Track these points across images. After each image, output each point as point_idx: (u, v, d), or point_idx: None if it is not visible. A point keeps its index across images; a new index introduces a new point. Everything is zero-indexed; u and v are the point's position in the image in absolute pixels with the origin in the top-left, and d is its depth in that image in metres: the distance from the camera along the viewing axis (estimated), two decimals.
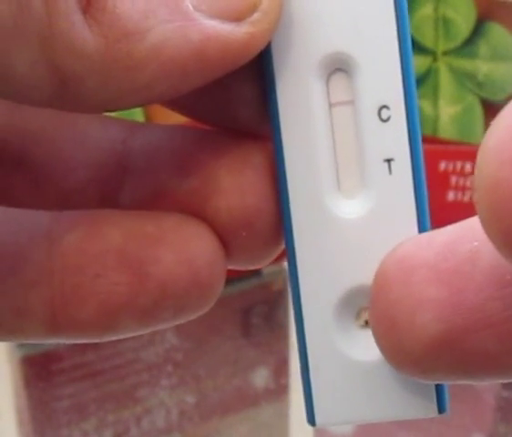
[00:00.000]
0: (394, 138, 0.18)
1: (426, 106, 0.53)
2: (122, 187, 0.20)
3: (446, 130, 0.53)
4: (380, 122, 0.18)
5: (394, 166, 0.18)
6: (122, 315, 0.18)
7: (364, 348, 0.19)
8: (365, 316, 0.19)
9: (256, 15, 0.17)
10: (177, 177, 0.19)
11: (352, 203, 0.19)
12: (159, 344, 0.55)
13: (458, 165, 0.49)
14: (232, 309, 0.58)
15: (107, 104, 0.17)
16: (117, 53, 0.16)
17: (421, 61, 0.53)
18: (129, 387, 0.53)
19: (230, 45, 0.16)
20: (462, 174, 0.49)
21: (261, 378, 0.52)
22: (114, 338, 0.19)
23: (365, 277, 0.18)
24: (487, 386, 0.51)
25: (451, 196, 0.50)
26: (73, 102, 0.16)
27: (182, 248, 0.18)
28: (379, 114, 0.18)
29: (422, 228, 0.18)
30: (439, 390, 0.18)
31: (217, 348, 0.55)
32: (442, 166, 0.49)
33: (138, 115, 0.49)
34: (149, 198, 0.19)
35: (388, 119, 0.18)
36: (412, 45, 0.18)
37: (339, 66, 0.18)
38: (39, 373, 0.53)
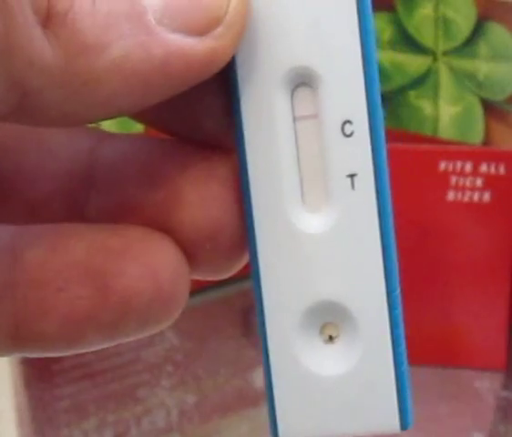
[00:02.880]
0: (358, 154, 0.18)
1: (426, 105, 0.54)
2: (88, 199, 0.20)
3: (446, 130, 0.54)
4: (343, 137, 0.18)
5: (358, 181, 0.18)
6: (85, 329, 0.18)
7: (328, 363, 0.19)
8: (329, 331, 0.19)
9: (219, 30, 0.17)
10: (142, 190, 0.19)
11: (315, 217, 0.19)
12: (159, 344, 0.55)
13: (458, 165, 0.49)
14: (232, 309, 0.58)
15: (68, 118, 0.16)
16: (77, 67, 0.16)
17: (421, 61, 0.53)
18: (129, 387, 0.52)
19: (193, 60, 0.16)
20: (462, 174, 0.49)
21: (261, 378, 0.52)
22: (78, 351, 0.19)
23: (329, 292, 0.18)
24: (488, 386, 0.51)
25: (451, 196, 0.50)
26: (33, 117, 0.16)
27: (146, 262, 0.18)
28: (342, 129, 0.18)
29: (385, 243, 0.18)
30: (402, 405, 0.19)
31: (217, 348, 0.55)
32: (442, 166, 0.49)
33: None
34: (115, 211, 0.19)
35: (351, 134, 0.18)
36: (377, 63, 0.18)
37: (303, 81, 0.18)
38: (39, 373, 0.53)
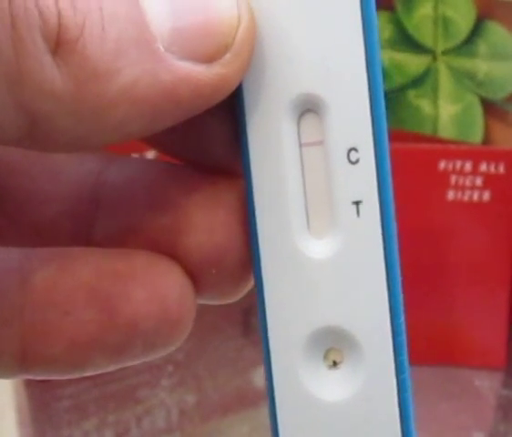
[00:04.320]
0: (363, 181, 0.18)
1: (426, 105, 0.54)
2: (95, 222, 0.20)
3: (446, 129, 0.53)
4: (349, 164, 0.18)
5: (363, 208, 0.18)
6: (91, 352, 0.18)
7: (332, 388, 0.19)
8: (333, 356, 0.19)
9: (227, 57, 0.17)
10: (149, 214, 0.19)
11: (320, 243, 0.19)
12: None
13: (458, 164, 0.49)
14: (232, 309, 0.57)
15: (77, 143, 0.16)
16: (87, 94, 0.16)
17: (420, 60, 0.53)
18: (130, 387, 0.52)
19: (202, 87, 0.16)
20: (462, 173, 0.49)
21: (261, 378, 0.52)
22: (84, 374, 0.19)
23: (333, 317, 0.18)
24: (488, 385, 0.51)
25: (451, 195, 0.50)
26: (43, 142, 0.16)
27: (152, 286, 0.18)
28: (348, 156, 0.18)
29: (390, 270, 0.18)
30: (405, 431, 0.19)
31: (217, 348, 0.55)
32: (442, 165, 0.49)
33: None
34: (121, 235, 0.19)
35: (357, 162, 0.18)
36: (383, 91, 0.18)
37: (310, 107, 0.18)
38: None
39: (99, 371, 0.19)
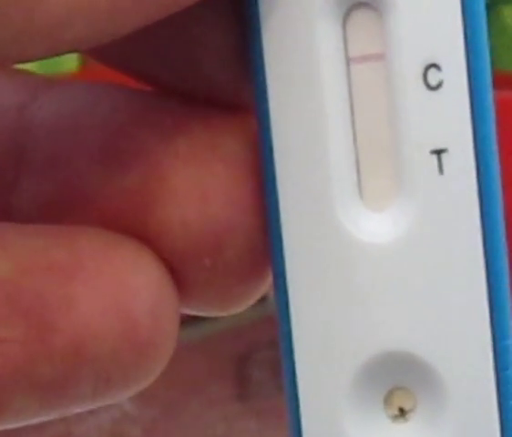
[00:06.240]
0: (449, 117, 0.16)
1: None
2: (17, 181, 0.18)
3: None
4: (426, 90, 0.16)
5: (448, 160, 0.16)
6: (14, 389, 0.16)
7: None
8: (400, 401, 0.17)
9: None
10: (103, 171, 0.17)
11: (380, 219, 0.16)
12: (104, 412, 0.48)
13: None
14: (222, 356, 0.53)
15: None
16: None
17: None
18: None
19: None
20: None
21: None
22: (5, 426, 0.17)
23: (401, 340, 0.16)
24: None
25: None
26: None
27: (109, 287, 0.16)
28: (425, 77, 0.16)
29: (492, 262, 0.16)
30: None
31: (197, 417, 0.49)
32: None
33: None
34: (58, 203, 0.17)
35: (439, 86, 0.16)
36: None
37: (363, 0, 0.17)
38: None
39: (24, 422, 0.17)
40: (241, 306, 0.18)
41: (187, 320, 0.57)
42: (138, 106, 0.18)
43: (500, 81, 0.48)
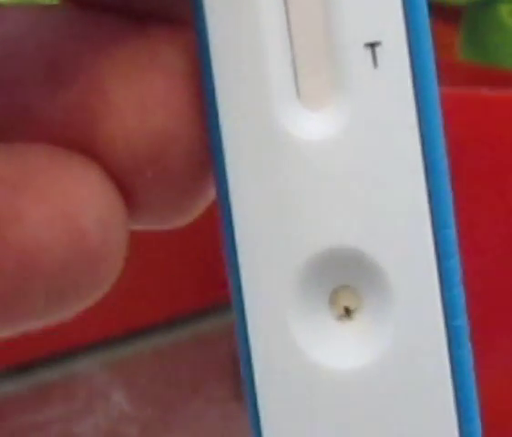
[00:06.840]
0: (381, 9, 0.16)
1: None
2: None
3: None
4: None
5: (382, 53, 0.16)
6: None
7: (345, 351, 0.17)
8: (345, 300, 0.17)
9: None
10: (46, 87, 0.17)
11: (318, 117, 0.17)
12: (100, 411, 0.48)
13: None
14: (221, 356, 0.52)
15: None
16: None
17: None
18: None
19: None
20: None
21: None
22: None
23: (344, 236, 0.17)
24: None
25: None
26: None
27: (57, 199, 0.17)
28: None
29: (430, 150, 0.16)
30: (463, 423, 0.17)
31: (195, 416, 0.49)
32: None
33: None
34: (5, 123, 0.17)
35: None
36: None
37: None
38: None
39: None
40: (186, 218, 0.18)
41: (187, 320, 0.51)
42: (77, 23, 0.18)
43: (498, 78, 0.46)
